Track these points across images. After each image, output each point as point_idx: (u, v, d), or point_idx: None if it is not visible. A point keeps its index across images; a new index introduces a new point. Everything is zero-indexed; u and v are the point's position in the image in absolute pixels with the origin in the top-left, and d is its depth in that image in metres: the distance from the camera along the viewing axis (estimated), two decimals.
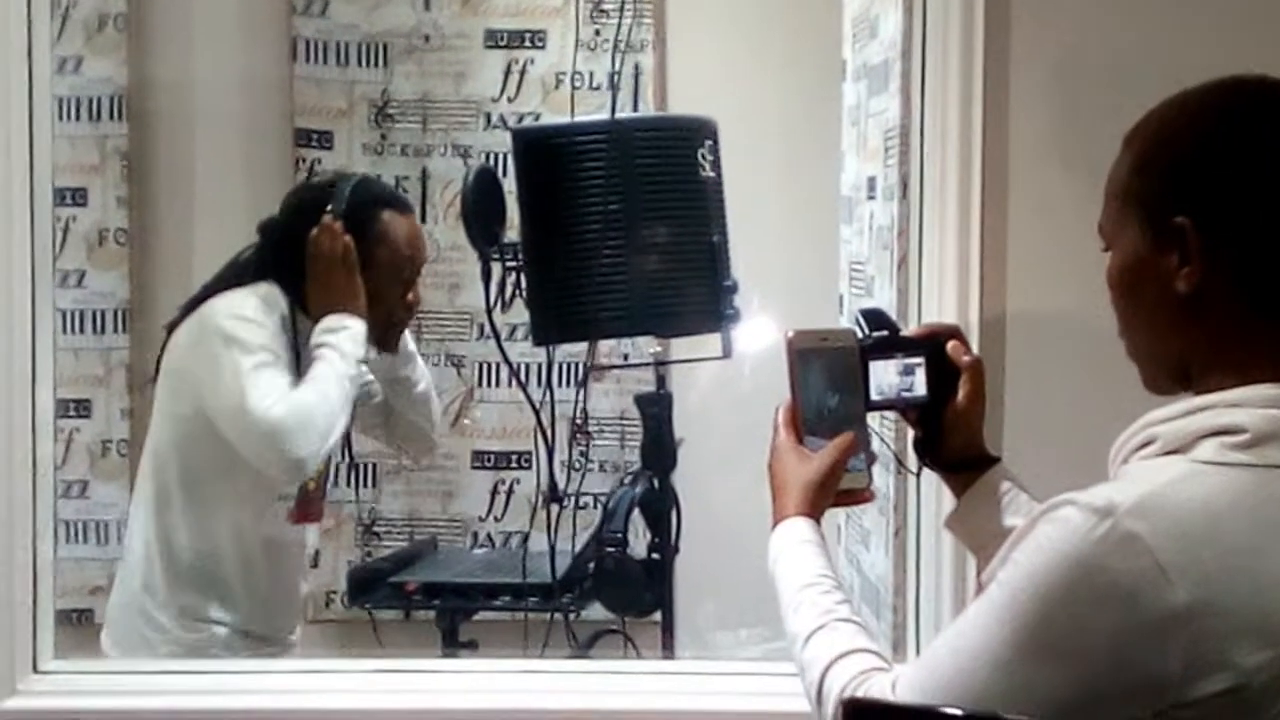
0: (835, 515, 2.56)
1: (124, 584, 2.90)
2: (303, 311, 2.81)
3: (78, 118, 3.85)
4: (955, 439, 1.81)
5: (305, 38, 3.90)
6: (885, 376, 1.80)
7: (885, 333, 1.82)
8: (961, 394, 1.80)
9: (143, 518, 2.85)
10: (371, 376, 2.96)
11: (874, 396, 1.79)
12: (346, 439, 3.00)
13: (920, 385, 1.81)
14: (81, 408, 3.89)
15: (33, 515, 2.27)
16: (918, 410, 1.83)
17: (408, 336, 3.03)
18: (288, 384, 2.72)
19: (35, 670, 2.29)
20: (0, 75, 2.21)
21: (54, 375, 2.36)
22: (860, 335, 1.81)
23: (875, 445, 1.82)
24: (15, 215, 2.23)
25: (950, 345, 1.82)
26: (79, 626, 3.47)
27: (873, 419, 1.82)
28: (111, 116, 3.88)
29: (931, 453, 1.84)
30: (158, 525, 2.82)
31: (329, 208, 2.81)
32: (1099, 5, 2.17)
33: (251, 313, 2.75)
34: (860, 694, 1.47)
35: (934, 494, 2.15)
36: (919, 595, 2.24)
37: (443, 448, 3.91)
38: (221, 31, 3.94)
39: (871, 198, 2.78)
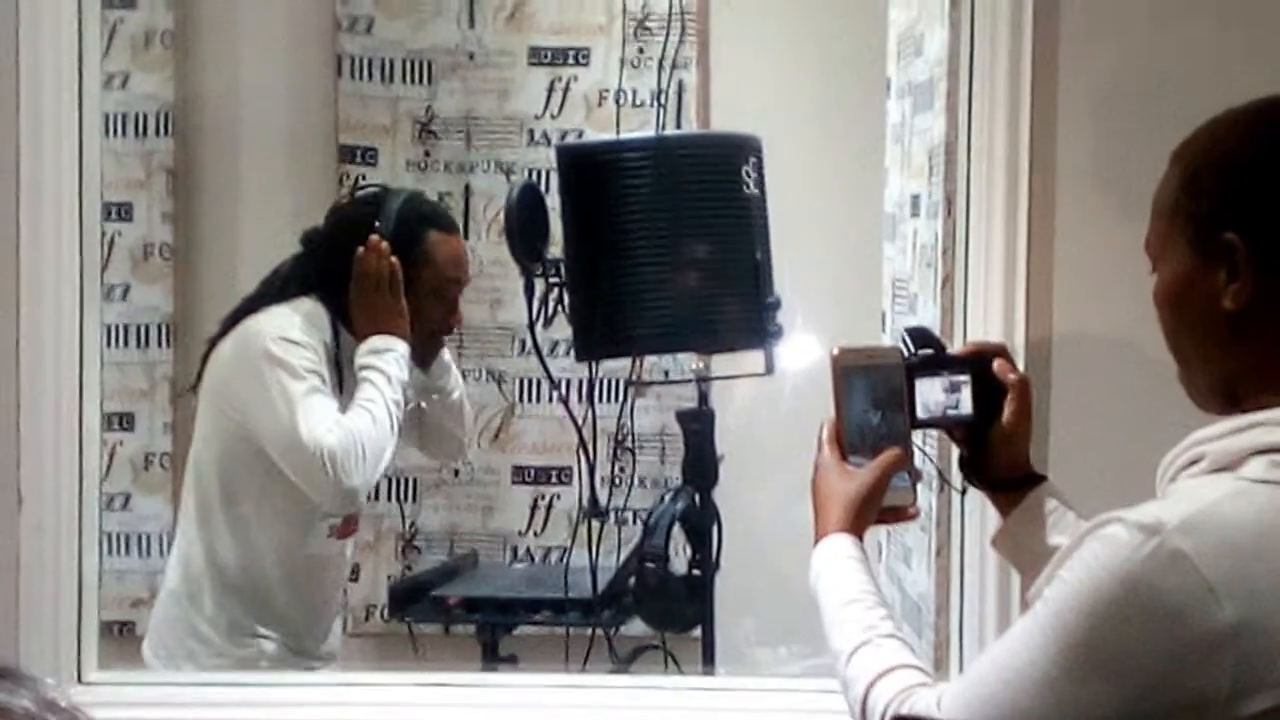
0: (877, 533, 2.55)
1: (170, 595, 2.91)
2: (345, 327, 2.82)
3: (124, 134, 3.87)
4: (1001, 457, 1.81)
5: (350, 54, 3.92)
6: (931, 394, 1.79)
7: (931, 351, 1.82)
8: (1008, 412, 1.79)
9: (188, 531, 2.87)
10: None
11: (920, 414, 1.79)
12: None
13: (966, 403, 1.80)
14: (125, 421, 3.90)
15: (78, 528, 2.28)
16: (963, 428, 1.83)
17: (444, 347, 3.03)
18: (337, 410, 2.72)
19: (80, 682, 2.29)
20: (51, 91, 2.22)
21: (100, 389, 2.37)
22: (906, 353, 1.81)
23: (919, 462, 1.82)
24: (64, 230, 2.24)
25: (996, 363, 1.82)
26: (121, 639, 3.48)
27: (916, 436, 1.82)
28: (158, 132, 3.91)
29: (977, 471, 1.84)
30: (202, 539, 2.83)
31: (375, 225, 2.82)
32: (1147, 24, 2.16)
33: (297, 334, 2.75)
34: (904, 711, 1.47)
35: (977, 512, 2.14)
36: (962, 614, 2.23)
37: (483, 462, 3.92)
38: (267, 48, 3.96)
39: (915, 215, 2.77)
